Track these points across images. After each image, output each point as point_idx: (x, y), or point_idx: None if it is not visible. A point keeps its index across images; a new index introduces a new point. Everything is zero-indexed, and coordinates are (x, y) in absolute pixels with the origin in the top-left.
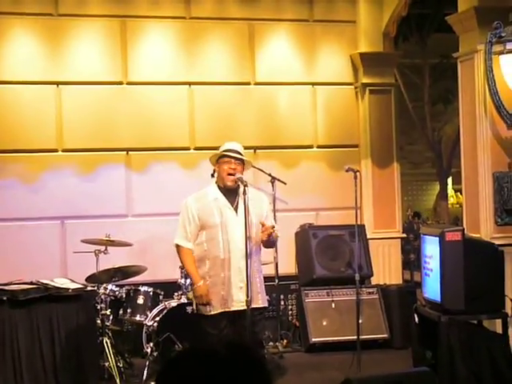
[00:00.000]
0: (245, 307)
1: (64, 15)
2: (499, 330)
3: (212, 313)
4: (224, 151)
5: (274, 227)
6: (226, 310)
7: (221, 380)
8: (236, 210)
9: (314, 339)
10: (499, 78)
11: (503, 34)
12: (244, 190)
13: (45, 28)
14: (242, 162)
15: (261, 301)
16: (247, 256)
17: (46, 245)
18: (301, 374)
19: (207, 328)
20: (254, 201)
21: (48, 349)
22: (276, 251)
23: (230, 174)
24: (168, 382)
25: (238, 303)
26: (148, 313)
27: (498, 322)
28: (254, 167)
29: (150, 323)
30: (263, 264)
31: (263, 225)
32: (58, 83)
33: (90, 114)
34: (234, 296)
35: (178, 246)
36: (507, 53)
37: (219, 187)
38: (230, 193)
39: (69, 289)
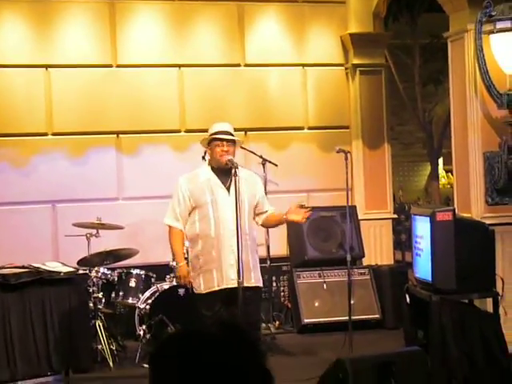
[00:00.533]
0: (235, 285)
1: None
2: (490, 309)
3: (205, 291)
4: (214, 133)
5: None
6: (220, 287)
7: (214, 361)
8: (228, 189)
9: (306, 320)
10: (489, 57)
11: (493, 13)
12: (234, 172)
13: (33, 11)
14: (233, 142)
15: (253, 280)
16: (238, 235)
17: (37, 228)
18: (293, 355)
19: (202, 309)
20: (247, 181)
21: (41, 332)
22: (267, 233)
23: (222, 156)
24: (161, 364)
25: (230, 281)
26: (140, 295)
27: (489, 301)
28: (245, 149)
29: (142, 306)
30: None
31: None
32: (47, 66)
33: (80, 97)
34: (225, 274)
35: (168, 226)
36: (497, 32)
37: (212, 168)
38: (223, 173)
39: (61, 272)
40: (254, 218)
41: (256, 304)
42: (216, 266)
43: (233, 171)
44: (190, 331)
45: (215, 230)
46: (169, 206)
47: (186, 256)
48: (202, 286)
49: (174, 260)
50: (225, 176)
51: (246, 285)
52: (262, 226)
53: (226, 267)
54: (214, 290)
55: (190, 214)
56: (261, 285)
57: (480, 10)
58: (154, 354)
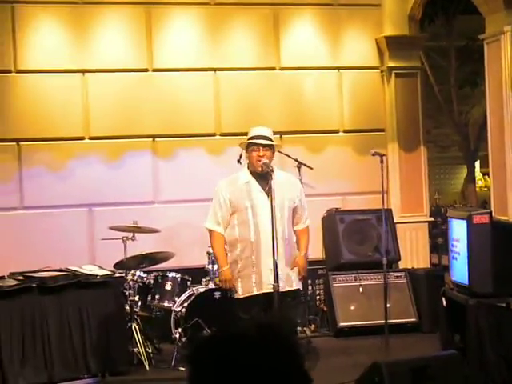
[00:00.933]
0: (273, 290)
1: (89, 3)
2: None
3: (244, 295)
4: (251, 138)
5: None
6: (259, 292)
7: (250, 363)
8: (268, 194)
9: (341, 324)
10: None
11: None
12: (270, 175)
13: (70, 16)
14: (270, 146)
15: (294, 283)
16: (273, 238)
17: (73, 232)
18: (329, 359)
19: (239, 313)
20: (285, 185)
21: (78, 335)
22: None
23: (259, 161)
24: (198, 365)
25: (269, 285)
26: (176, 299)
27: None
28: (280, 152)
29: (178, 309)
30: None
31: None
32: (84, 71)
33: (116, 101)
34: (264, 278)
35: (209, 230)
36: None
37: (251, 172)
38: (262, 177)
39: (97, 275)
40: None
41: (296, 307)
42: (255, 271)
43: (277, 176)
44: (227, 333)
45: (255, 234)
46: (210, 209)
47: None
48: (240, 290)
49: (216, 263)
50: (264, 180)
51: (288, 288)
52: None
53: (265, 272)
54: (252, 294)
55: (230, 217)
56: (300, 286)
57: None
58: (191, 355)
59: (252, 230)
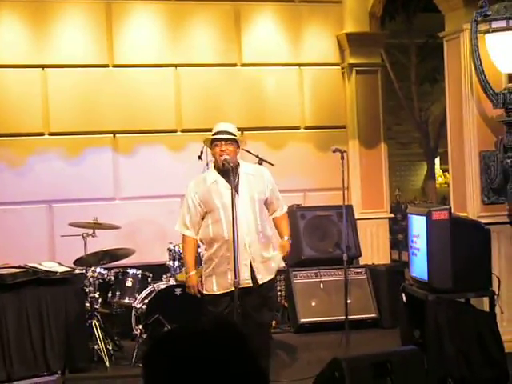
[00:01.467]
0: (251, 284)
1: None
2: (486, 308)
3: (219, 292)
4: (214, 134)
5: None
6: (232, 289)
7: (206, 358)
8: (236, 189)
9: (302, 320)
10: (485, 57)
11: (489, 13)
12: (233, 171)
13: (29, 11)
14: (232, 141)
15: (270, 274)
16: (234, 236)
17: (33, 228)
18: (290, 355)
19: (208, 306)
20: (254, 176)
21: (37, 332)
22: None
23: (221, 156)
24: (153, 362)
25: (244, 281)
26: (137, 295)
27: (486, 300)
28: (242, 148)
29: (138, 306)
30: None
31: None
32: (43, 66)
33: (76, 97)
34: (240, 274)
35: (180, 233)
36: (493, 31)
37: (218, 170)
38: (229, 174)
39: (57, 272)
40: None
41: (270, 305)
42: (231, 267)
43: (239, 169)
44: (182, 329)
45: (228, 231)
46: (180, 212)
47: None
48: (215, 287)
49: (176, 260)
50: (231, 176)
51: (265, 279)
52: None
53: (241, 268)
54: (228, 291)
55: (203, 218)
56: (274, 275)
57: (475, 9)
58: (147, 353)
59: (225, 228)
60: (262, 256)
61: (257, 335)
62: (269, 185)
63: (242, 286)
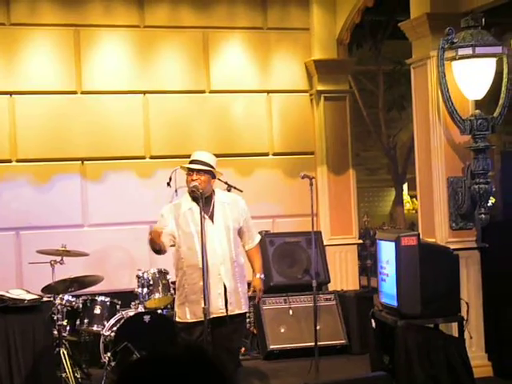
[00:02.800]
0: (224, 314)
1: (16, 24)
2: (455, 334)
3: (192, 320)
4: (189, 163)
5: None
6: (207, 318)
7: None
8: (211, 218)
9: (272, 346)
10: (452, 83)
11: (455, 40)
12: (200, 197)
13: None
14: (204, 171)
15: (244, 306)
16: (203, 264)
17: (0, 256)
18: (259, 382)
19: (182, 333)
20: (229, 205)
21: (4, 360)
22: None
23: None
24: None
25: (218, 310)
26: (105, 323)
27: (455, 325)
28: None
29: (107, 333)
30: None
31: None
32: (11, 93)
33: (45, 123)
34: (213, 303)
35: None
36: (459, 58)
37: (192, 198)
38: (205, 202)
39: (25, 300)
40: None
41: (240, 331)
42: (203, 296)
43: (214, 198)
44: (151, 356)
45: (202, 260)
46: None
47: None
48: (188, 315)
49: (139, 286)
50: (206, 205)
51: (237, 311)
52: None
53: (215, 296)
54: (200, 319)
55: (174, 238)
56: (247, 310)
57: (442, 36)
58: (117, 381)
59: (199, 257)
60: (236, 287)
61: (227, 363)
62: (243, 214)
63: (215, 316)
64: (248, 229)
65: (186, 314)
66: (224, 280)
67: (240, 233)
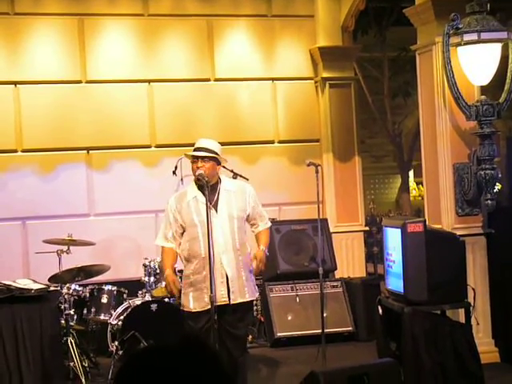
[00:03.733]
0: (228, 302)
1: (20, 14)
2: (462, 320)
3: (195, 310)
4: (193, 150)
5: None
6: (211, 305)
7: (179, 374)
8: (215, 207)
9: (279, 334)
10: (457, 69)
11: (460, 26)
12: (206, 185)
13: (2, 27)
14: (209, 158)
15: (248, 294)
16: (210, 253)
17: (7, 246)
18: (267, 369)
19: (188, 321)
20: (235, 193)
21: (12, 350)
22: None
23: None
24: (126, 380)
25: (221, 299)
26: (112, 312)
27: (461, 311)
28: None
29: (114, 322)
30: None
31: (255, 257)
32: (15, 83)
33: (49, 113)
34: (216, 292)
35: (160, 246)
36: (465, 44)
37: (198, 186)
38: (210, 190)
39: (31, 289)
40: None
41: (246, 319)
42: (207, 285)
43: (219, 186)
44: (154, 347)
45: (205, 249)
46: (161, 226)
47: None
48: (192, 305)
49: (152, 275)
50: (210, 193)
51: (240, 300)
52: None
53: (217, 285)
54: (204, 309)
55: (182, 233)
56: (254, 298)
57: (447, 22)
58: (120, 371)
59: (202, 246)
60: (239, 276)
61: (233, 349)
62: (250, 201)
63: (218, 304)
64: (258, 215)
65: (189, 303)
66: (226, 269)
67: (249, 219)
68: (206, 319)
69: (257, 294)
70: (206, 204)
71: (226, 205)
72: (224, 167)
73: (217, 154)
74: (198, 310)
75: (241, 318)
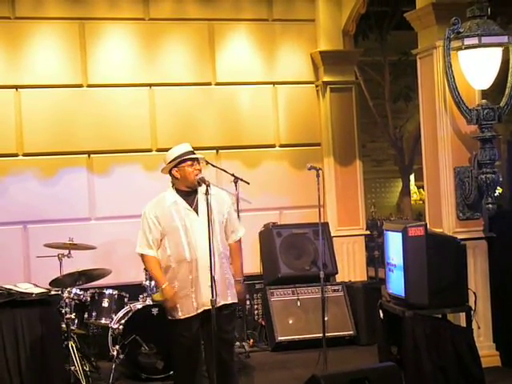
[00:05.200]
0: (216, 305)
1: (21, 18)
2: (463, 324)
3: (184, 316)
4: (182, 155)
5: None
6: (198, 311)
7: None
8: (196, 210)
9: (280, 338)
10: (458, 73)
11: (461, 30)
12: (207, 190)
13: (2, 31)
14: (200, 160)
15: (230, 297)
16: (211, 256)
17: (8, 250)
18: (268, 373)
19: (180, 331)
20: (215, 198)
21: (13, 354)
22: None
23: (197, 175)
24: None
25: (208, 303)
26: (113, 316)
27: (462, 315)
28: (216, 167)
29: (115, 326)
30: None
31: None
32: (17, 87)
33: (51, 117)
34: (203, 296)
35: (141, 255)
36: (465, 48)
37: (178, 191)
38: (189, 194)
39: (32, 293)
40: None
41: (232, 322)
42: (194, 290)
43: (200, 189)
44: None
45: (190, 254)
46: (139, 234)
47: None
48: (179, 313)
49: (146, 279)
50: (189, 197)
51: (223, 303)
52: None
53: (204, 289)
54: (192, 314)
55: (160, 240)
56: (236, 300)
57: (448, 26)
58: None
59: (186, 250)
60: (223, 279)
61: (223, 353)
62: (226, 206)
63: (206, 308)
64: (231, 223)
65: (178, 311)
66: (213, 272)
67: (225, 224)
68: (196, 326)
69: (236, 299)
70: (208, 206)
71: (206, 208)
72: (225, 171)
73: None
74: (186, 315)
75: (227, 321)
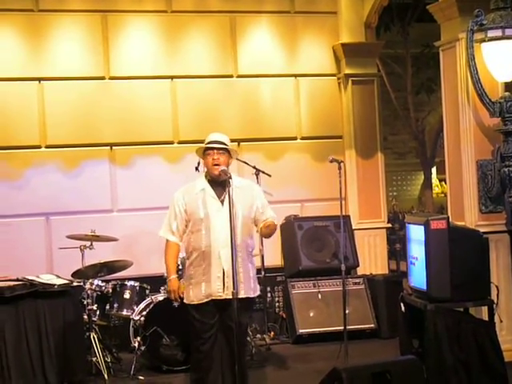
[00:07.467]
0: (224, 297)
1: (45, 11)
2: (485, 317)
3: (195, 302)
4: (206, 143)
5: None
6: (207, 299)
7: None
8: (223, 202)
9: (301, 330)
10: (481, 66)
11: (484, 22)
12: (228, 182)
13: (26, 24)
14: (225, 151)
15: (243, 291)
16: (233, 248)
17: (31, 241)
18: (288, 366)
19: (194, 314)
20: (243, 191)
21: (35, 345)
22: (262, 243)
23: (215, 165)
24: None
25: (217, 293)
26: (135, 307)
27: (484, 309)
28: (238, 160)
29: (136, 317)
30: None
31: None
32: (40, 79)
33: (73, 109)
34: (212, 286)
35: (164, 238)
36: (489, 40)
37: (208, 180)
38: (219, 184)
39: (55, 285)
40: (255, 227)
41: (244, 315)
42: (205, 279)
43: (236, 181)
44: None
45: (205, 242)
46: (165, 218)
47: (180, 267)
48: (192, 297)
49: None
50: (220, 187)
51: (230, 297)
52: (260, 235)
53: (214, 279)
54: (202, 302)
55: (186, 226)
56: (252, 295)
57: (471, 18)
58: None
59: (203, 239)
60: (238, 272)
61: (232, 340)
62: (256, 200)
63: (214, 298)
64: (263, 212)
65: (190, 295)
66: (223, 264)
67: (255, 218)
68: (212, 312)
69: (257, 293)
70: (229, 199)
71: (234, 201)
72: (246, 163)
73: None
74: (196, 302)
75: (238, 313)
